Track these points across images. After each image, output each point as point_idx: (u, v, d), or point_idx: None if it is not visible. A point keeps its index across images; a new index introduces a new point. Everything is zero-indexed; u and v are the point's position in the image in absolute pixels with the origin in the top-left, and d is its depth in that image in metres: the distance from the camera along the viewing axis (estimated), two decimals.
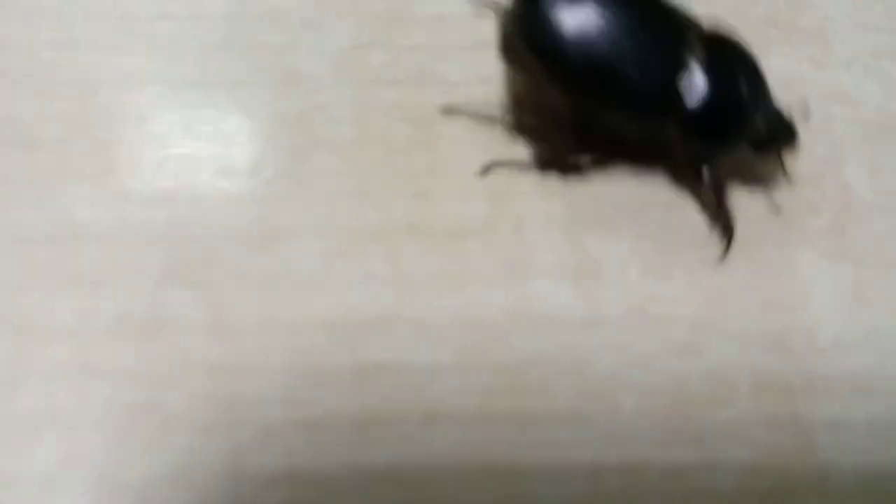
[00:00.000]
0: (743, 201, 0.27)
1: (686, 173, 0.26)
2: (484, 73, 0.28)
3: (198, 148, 0.27)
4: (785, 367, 0.25)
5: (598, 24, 0.24)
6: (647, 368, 0.25)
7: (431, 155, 0.27)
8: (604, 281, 0.26)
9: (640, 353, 0.25)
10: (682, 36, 0.25)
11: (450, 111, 0.27)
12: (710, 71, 0.24)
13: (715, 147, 0.25)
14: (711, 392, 0.25)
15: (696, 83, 0.24)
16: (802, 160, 0.27)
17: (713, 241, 0.26)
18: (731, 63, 0.25)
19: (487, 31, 0.26)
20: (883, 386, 0.25)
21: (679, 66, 0.24)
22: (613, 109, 0.25)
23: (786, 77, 0.27)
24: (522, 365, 0.25)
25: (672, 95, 0.24)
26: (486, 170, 0.27)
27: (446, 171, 0.27)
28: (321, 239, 0.26)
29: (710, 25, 0.25)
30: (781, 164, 0.27)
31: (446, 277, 0.26)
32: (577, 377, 0.25)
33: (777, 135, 0.25)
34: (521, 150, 0.27)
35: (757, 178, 0.27)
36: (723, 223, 0.26)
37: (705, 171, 0.26)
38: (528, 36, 0.25)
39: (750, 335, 0.25)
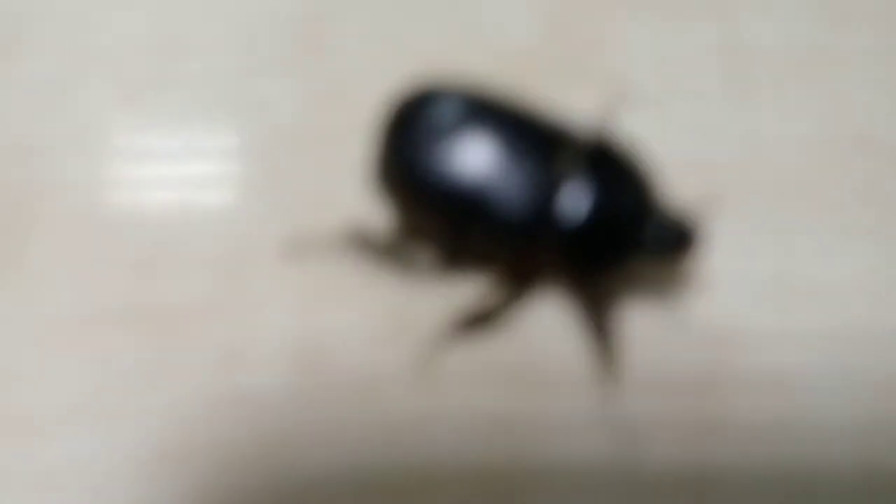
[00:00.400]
0: None
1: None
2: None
3: None
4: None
5: (466, 151, 0.22)
6: (364, 453, 0.23)
7: (152, 230, 0.25)
8: (329, 360, 0.24)
9: (358, 434, 0.23)
10: (559, 154, 0.22)
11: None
12: (590, 189, 0.22)
13: (596, 269, 0.23)
14: (433, 469, 0.23)
15: (573, 204, 0.22)
16: None
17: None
18: (614, 178, 0.22)
19: None
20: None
21: (555, 188, 0.22)
22: (485, 236, 0.23)
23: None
24: (235, 460, 0.23)
25: (547, 219, 0.22)
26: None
27: (167, 247, 0.25)
28: (11, 330, 0.24)
29: (593, 136, 0.23)
30: (677, 269, 0.24)
31: (153, 367, 0.23)
32: (291, 470, 0.23)
33: (670, 244, 0.23)
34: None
35: None
36: (604, 347, 0.24)
37: (582, 297, 0.24)
38: (390, 168, 0.23)
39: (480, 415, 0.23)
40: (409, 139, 0.23)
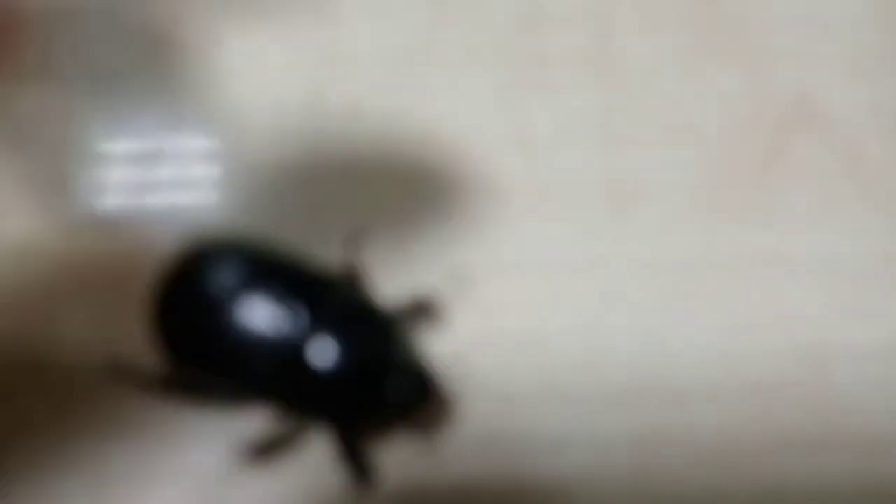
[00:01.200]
0: None
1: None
2: None
3: None
4: None
5: (234, 312, 0.24)
6: None
7: None
8: None
9: None
10: (316, 310, 0.24)
11: None
12: (334, 344, 0.24)
13: (345, 416, 0.24)
14: None
15: (319, 357, 0.24)
16: None
17: None
18: (357, 333, 0.24)
19: None
20: None
21: (307, 342, 0.24)
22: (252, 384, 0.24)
23: None
24: None
25: (299, 371, 0.24)
26: None
27: None
28: None
29: (347, 291, 0.25)
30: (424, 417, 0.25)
31: None
32: None
33: (410, 396, 0.24)
34: None
35: None
36: (358, 470, 0.24)
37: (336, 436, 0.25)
38: (162, 325, 0.24)
39: None
40: (182, 300, 0.24)
